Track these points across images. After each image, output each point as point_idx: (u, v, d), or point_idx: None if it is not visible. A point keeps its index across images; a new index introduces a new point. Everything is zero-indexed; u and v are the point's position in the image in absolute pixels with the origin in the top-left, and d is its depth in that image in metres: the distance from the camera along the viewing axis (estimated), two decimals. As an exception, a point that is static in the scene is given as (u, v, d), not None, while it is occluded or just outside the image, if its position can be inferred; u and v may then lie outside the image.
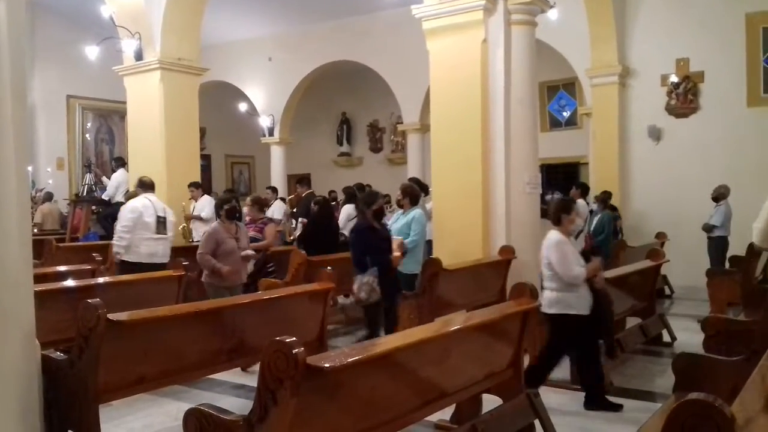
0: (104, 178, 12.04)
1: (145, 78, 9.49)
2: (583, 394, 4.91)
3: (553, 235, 4.85)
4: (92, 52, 10.51)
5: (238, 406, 4.39)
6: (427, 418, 3.86)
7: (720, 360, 3.74)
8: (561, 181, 13.17)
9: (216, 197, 13.12)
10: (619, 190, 10.86)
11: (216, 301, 5.03)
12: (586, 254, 4.98)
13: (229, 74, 15.45)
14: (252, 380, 4.97)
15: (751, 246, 7.54)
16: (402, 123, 14.67)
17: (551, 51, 11.57)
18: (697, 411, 1.88)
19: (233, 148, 18.74)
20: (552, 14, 8.63)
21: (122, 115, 13.12)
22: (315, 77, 15.33)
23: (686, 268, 9.74)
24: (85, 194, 11.56)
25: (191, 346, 4.11)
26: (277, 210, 10.60)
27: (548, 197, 10.59)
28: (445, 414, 4.15)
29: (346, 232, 9.77)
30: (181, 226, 9.25)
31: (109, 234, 8.87)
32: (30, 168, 11.37)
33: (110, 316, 3.49)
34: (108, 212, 10.18)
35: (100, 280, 5.95)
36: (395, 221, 6.68)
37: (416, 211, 6.60)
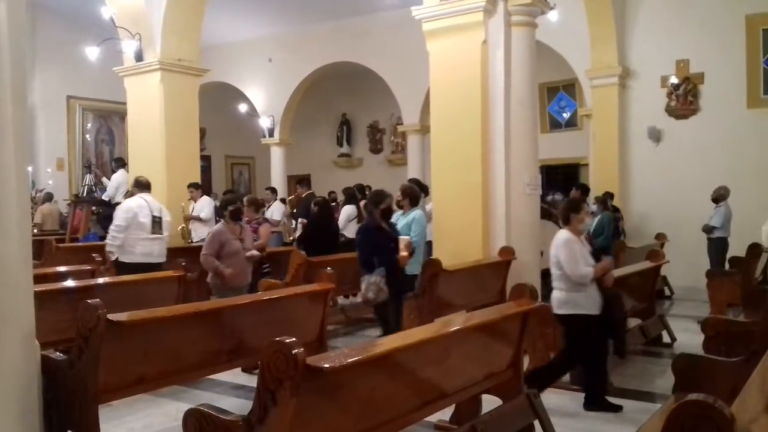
0: (104, 179, 12.04)
1: (146, 79, 9.50)
2: (583, 394, 4.91)
3: (562, 234, 4.83)
4: (92, 52, 10.52)
5: (238, 406, 4.39)
6: (427, 419, 3.86)
7: (720, 361, 3.75)
8: (561, 182, 13.16)
9: (215, 198, 13.20)
10: (619, 191, 10.87)
11: (215, 302, 5.04)
12: (597, 254, 4.94)
13: (229, 75, 15.46)
14: (252, 381, 4.98)
15: (751, 247, 7.55)
16: (402, 124, 14.68)
17: (551, 52, 11.58)
18: (697, 412, 1.88)
19: (233, 149, 18.76)
20: (552, 15, 8.64)
21: (122, 115, 13.13)
22: (315, 78, 15.34)
23: (686, 269, 9.76)
24: (85, 195, 11.56)
25: (191, 347, 4.10)
26: (276, 211, 10.61)
27: (549, 198, 10.57)
28: (444, 414, 4.15)
29: (346, 233, 9.79)
30: (180, 227, 9.25)
31: (108, 235, 8.86)
32: (30, 168, 11.37)
33: (110, 316, 3.49)
34: (108, 213, 10.15)
35: (100, 280, 5.95)
36: (395, 222, 6.65)
37: (416, 212, 6.59)
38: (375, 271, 5.39)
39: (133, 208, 6.83)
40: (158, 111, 9.37)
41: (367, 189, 12.05)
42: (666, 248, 8.88)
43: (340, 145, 17.76)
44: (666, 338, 6.91)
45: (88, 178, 12.02)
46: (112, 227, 6.90)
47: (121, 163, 10.85)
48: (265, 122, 15.56)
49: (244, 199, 7.92)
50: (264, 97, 15.78)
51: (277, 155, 15.80)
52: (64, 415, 3.46)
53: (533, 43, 6.94)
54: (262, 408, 2.59)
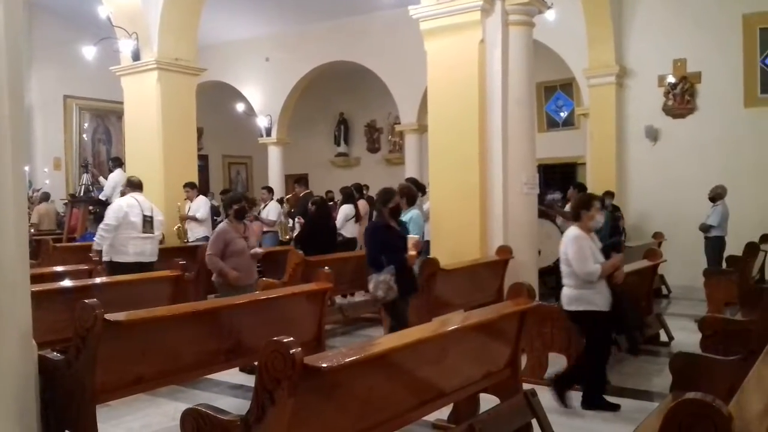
0: (101, 179, 12.01)
1: (143, 78, 9.49)
2: (581, 393, 4.91)
3: (572, 230, 4.81)
4: (89, 52, 10.49)
5: (236, 406, 4.40)
6: (425, 418, 3.87)
7: (717, 359, 3.75)
8: (558, 181, 13.17)
9: (212, 198, 13.20)
10: (616, 190, 10.87)
11: (213, 302, 5.03)
12: (607, 251, 4.90)
13: (226, 74, 15.44)
14: (250, 380, 4.97)
15: (748, 246, 7.58)
16: (399, 123, 14.68)
17: (549, 51, 11.59)
18: (695, 410, 1.88)
19: (230, 149, 18.73)
20: (549, 15, 8.64)
21: (119, 115, 13.13)
22: (312, 77, 15.33)
23: (683, 267, 9.78)
24: (82, 194, 11.53)
25: (189, 347, 4.10)
26: (272, 210, 10.58)
27: (548, 197, 10.58)
28: (442, 414, 4.15)
29: (343, 232, 9.79)
30: (176, 227, 9.24)
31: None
32: (27, 168, 11.36)
33: (107, 316, 3.48)
34: (105, 213, 10.16)
35: (97, 280, 5.95)
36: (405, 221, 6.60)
37: (413, 212, 6.59)
38: (384, 270, 5.32)
39: (123, 208, 6.82)
40: (155, 110, 9.37)
41: (364, 188, 12.07)
42: (663, 247, 8.89)
43: (338, 144, 17.75)
44: (663, 337, 6.92)
45: (85, 178, 11.99)
46: (101, 226, 6.89)
47: (118, 162, 10.83)
48: (262, 121, 15.55)
49: (225, 198, 7.86)
50: (261, 97, 15.77)
51: (274, 155, 15.78)
52: (62, 416, 3.45)
53: (530, 42, 6.95)
54: (259, 408, 2.58)
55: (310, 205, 8.89)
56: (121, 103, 10.14)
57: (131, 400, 4.62)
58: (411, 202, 6.70)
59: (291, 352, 2.48)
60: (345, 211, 10.01)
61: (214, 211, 11.36)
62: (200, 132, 12.59)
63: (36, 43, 13.78)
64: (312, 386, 2.61)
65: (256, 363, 2.89)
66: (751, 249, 7.59)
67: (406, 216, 6.52)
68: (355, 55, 14.26)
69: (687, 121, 10.87)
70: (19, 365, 3.04)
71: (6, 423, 2.96)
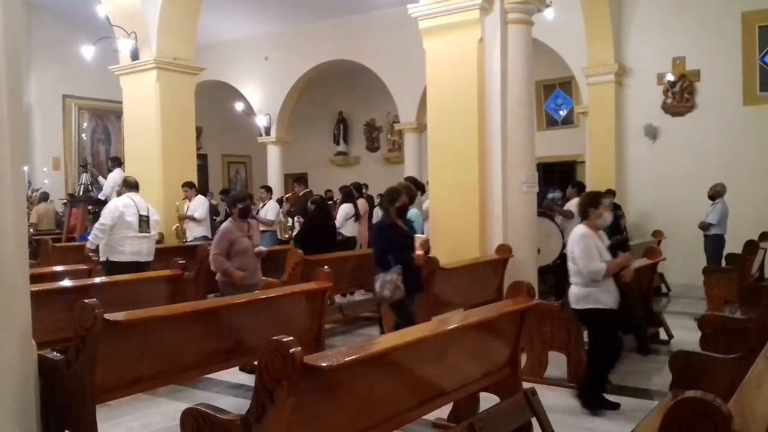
0: (100, 178, 12.02)
1: (141, 77, 9.49)
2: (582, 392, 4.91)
3: (579, 228, 4.78)
4: (88, 51, 10.49)
5: (236, 405, 4.40)
6: (425, 417, 3.87)
7: (717, 358, 3.75)
8: (558, 179, 13.18)
9: (211, 197, 13.19)
10: (615, 188, 10.88)
11: (213, 301, 5.03)
12: (614, 249, 4.87)
13: (225, 73, 15.44)
14: (249, 380, 4.98)
15: (747, 244, 7.57)
16: (399, 122, 14.68)
17: (548, 50, 11.59)
18: (695, 409, 1.88)
19: (230, 148, 18.73)
20: (548, 13, 8.64)
21: (118, 114, 13.11)
22: (311, 76, 15.32)
23: (683, 266, 9.78)
24: (81, 194, 11.54)
25: (188, 346, 4.10)
26: (270, 210, 10.58)
27: (549, 195, 10.60)
28: (442, 412, 4.15)
29: (343, 231, 9.79)
30: (174, 226, 9.25)
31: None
32: (26, 168, 11.37)
33: (107, 316, 3.48)
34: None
35: (97, 280, 5.94)
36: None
37: (413, 211, 6.58)
38: (391, 269, 5.29)
39: (119, 207, 6.83)
40: (154, 110, 9.36)
41: (364, 187, 12.07)
42: (663, 245, 8.90)
43: (337, 143, 17.75)
44: (663, 335, 6.92)
45: (84, 178, 12.00)
46: (96, 225, 6.90)
47: (118, 162, 10.83)
48: (261, 121, 15.54)
49: (229, 196, 7.84)
50: (260, 96, 15.76)
51: (273, 154, 15.79)
52: (62, 416, 3.45)
53: (529, 40, 6.94)
54: (259, 407, 2.58)
55: (309, 204, 8.90)
56: (120, 102, 10.13)
57: (131, 399, 4.63)
58: (410, 201, 6.70)
59: (291, 351, 2.48)
60: (345, 210, 10.01)
61: (213, 211, 11.36)
62: (199, 131, 12.59)
63: (35, 43, 13.76)
64: (312, 385, 2.61)
65: (255, 362, 2.89)
66: (751, 247, 7.59)
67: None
68: (354, 54, 14.25)
69: (686, 119, 10.87)
70: (18, 365, 3.04)
71: (6, 423, 2.96)
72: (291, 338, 2.53)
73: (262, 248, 6.18)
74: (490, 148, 6.69)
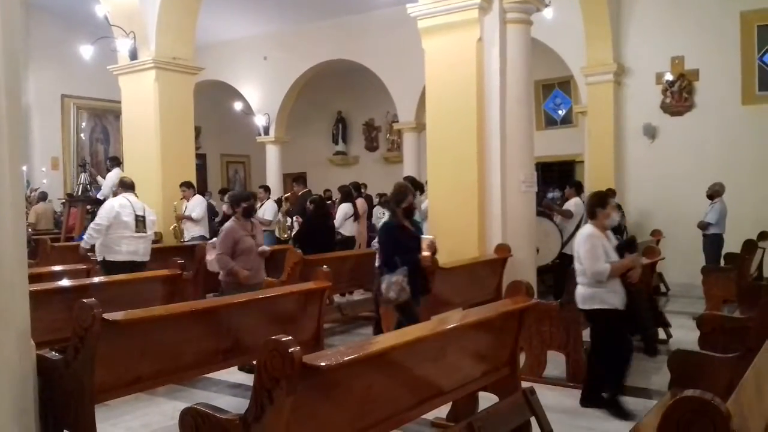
0: (99, 178, 12.00)
1: (140, 77, 9.48)
2: (579, 391, 4.91)
3: (586, 228, 4.77)
4: (87, 51, 10.47)
5: (235, 405, 4.39)
6: (424, 416, 3.87)
7: (715, 357, 3.75)
8: (557, 179, 13.18)
9: (209, 197, 13.16)
10: (614, 188, 10.88)
11: (212, 301, 5.03)
12: (621, 250, 4.84)
13: (224, 73, 15.43)
14: (248, 379, 4.97)
15: (746, 243, 7.58)
16: (398, 122, 14.68)
17: (546, 49, 11.59)
18: (693, 408, 1.88)
19: (228, 147, 18.73)
20: (547, 13, 8.64)
21: (117, 114, 13.11)
22: (310, 76, 15.32)
23: (682, 265, 9.79)
24: (80, 194, 11.52)
25: (187, 346, 4.09)
26: (268, 210, 10.58)
27: (549, 195, 10.60)
28: (441, 412, 4.15)
29: (342, 231, 9.79)
30: (172, 226, 9.24)
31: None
32: (24, 168, 11.34)
33: (106, 315, 3.48)
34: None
35: (95, 279, 5.93)
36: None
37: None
38: (397, 270, 5.24)
39: (115, 208, 6.85)
40: (153, 109, 9.36)
41: (362, 187, 12.07)
42: (661, 245, 8.90)
43: (336, 143, 17.75)
44: (662, 334, 6.92)
45: (83, 177, 11.97)
46: (92, 225, 6.93)
47: (116, 162, 10.82)
48: (260, 120, 15.54)
49: (227, 195, 7.82)
50: (259, 95, 15.76)
51: (272, 153, 15.78)
52: (61, 416, 3.45)
53: (528, 40, 6.95)
54: (258, 407, 2.58)
55: (308, 203, 8.89)
56: (119, 102, 10.12)
57: (130, 399, 4.63)
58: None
59: (290, 351, 2.48)
60: (343, 209, 10.01)
61: (211, 211, 11.34)
62: (198, 131, 12.58)
63: (33, 43, 13.74)
64: (311, 385, 2.61)
65: (254, 362, 2.88)
66: (750, 246, 7.59)
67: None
68: (353, 54, 14.25)
69: (685, 118, 10.88)
70: (17, 365, 3.03)
71: (4, 423, 2.96)
72: (290, 338, 2.53)
73: (266, 248, 6.17)
74: (489, 148, 6.69)
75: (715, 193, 9.32)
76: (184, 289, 6.35)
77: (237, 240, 5.77)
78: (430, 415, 4.11)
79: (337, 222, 9.66)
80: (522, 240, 6.73)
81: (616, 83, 11.28)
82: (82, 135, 15.27)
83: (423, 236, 5.79)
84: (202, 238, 8.97)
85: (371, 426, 3.06)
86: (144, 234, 6.98)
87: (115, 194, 7.45)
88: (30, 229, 10.48)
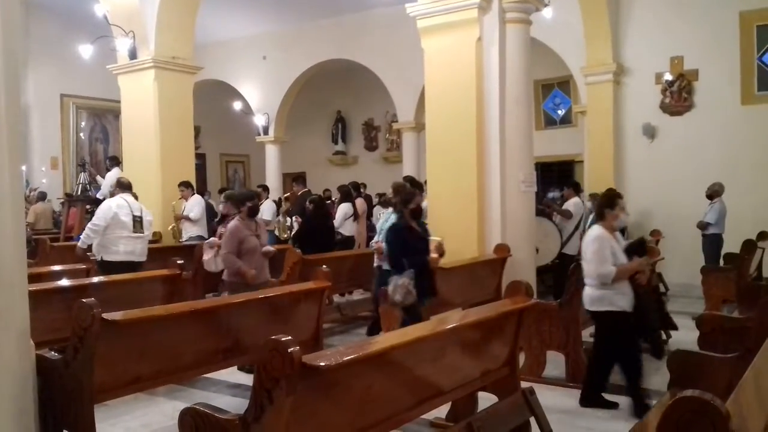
0: (98, 178, 11.99)
1: (139, 77, 9.47)
2: (578, 391, 4.91)
3: (594, 230, 4.73)
4: (86, 50, 10.47)
5: (234, 405, 4.39)
6: (423, 416, 3.87)
7: (715, 357, 3.75)
8: (556, 179, 13.19)
9: (209, 197, 13.15)
10: (614, 188, 10.87)
11: (211, 301, 5.03)
12: (629, 253, 4.82)
13: (223, 73, 15.43)
14: (248, 379, 4.97)
15: (745, 243, 7.58)
16: (397, 121, 14.67)
17: (546, 49, 11.59)
18: (693, 408, 1.88)
19: (228, 147, 18.71)
20: (546, 12, 8.65)
21: (116, 114, 13.09)
22: (310, 76, 15.31)
23: (681, 265, 9.79)
24: (79, 193, 11.52)
25: (187, 346, 4.09)
26: (267, 209, 10.57)
27: (550, 194, 10.60)
28: (440, 412, 4.15)
29: (342, 231, 9.78)
30: (170, 226, 9.24)
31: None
32: (24, 167, 11.34)
33: (105, 315, 3.47)
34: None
35: (95, 279, 5.93)
36: (386, 220, 6.46)
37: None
38: (404, 273, 5.21)
39: (112, 208, 6.87)
40: (152, 109, 9.35)
41: (362, 187, 12.06)
42: (661, 245, 8.89)
43: (335, 142, 17.75)
44: (662, 335, 6.92)
45: (83, 177, 11.97)
46: (89, 225, 6.93)
47: (116, 161, 10.82)
48: (259, 120, 15.53)
49: (223, 194, 7.81)
50: (259, 95, 15.75)
51: (272, 153, 15.77)
52: (60, 415, 3.44)
53: (528, 39, 6.95)
54: (258, 407, 2.58)
55: (307, 203, 8.88)
56: (119, 101, 10.11)
57: (129, 399, 4.63)
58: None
59: (289, 350, 2.48)
60: (343, 209, 10.00)
61: (210, 211, 11.33)
62: (197, 130, 12.58)
63: (33, 42, 13.72)
64: (310, 385, 2.61)
65: (254, 362, 2.88)
66: (749, 246, 7.60)
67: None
68: (352, 53, 14.25)
69: (684, 118, 10.88)
70: (16, 365, 3.03)
71: (4, 423, 2.95)
72: (289, 338, 2.53)
73: (270, 248, 6.16)
74: (488, 148, 6.69)
75: (714, 193, 9.32)
76: (184, 289, 6.34)
77: (242, 239, 5.76)
78: (430, 415, 4.11)
79: (336, 222, 9.65)
80: (521, 240, 6.73)
81: (615, 83, 11.28)
82: (81, 134, 15.25)
83: (431, 237, 5.77)
84: (200, 238, 8.95)
85: (371, 426, 3.06)
86: (141, 234, 7.00)
87: (112, 194, 7.45)
88: (29, 229, 10.48)
